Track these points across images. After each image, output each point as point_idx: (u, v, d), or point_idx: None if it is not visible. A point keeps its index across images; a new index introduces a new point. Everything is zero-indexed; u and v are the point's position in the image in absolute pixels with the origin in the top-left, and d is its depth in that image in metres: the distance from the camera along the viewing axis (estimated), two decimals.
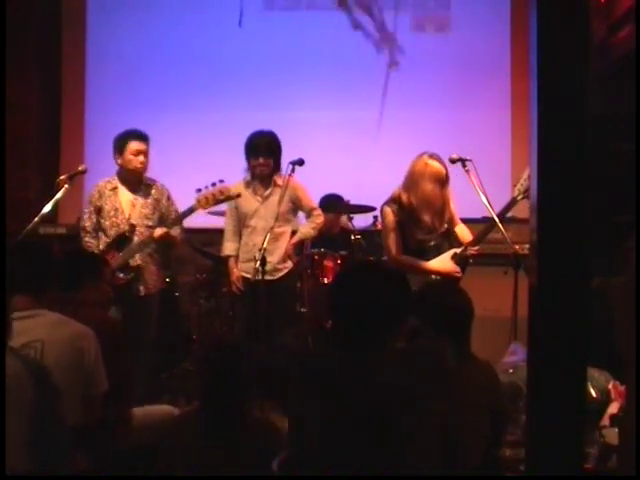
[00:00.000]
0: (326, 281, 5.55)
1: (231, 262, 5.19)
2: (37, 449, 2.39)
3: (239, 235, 5.18)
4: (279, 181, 5.07)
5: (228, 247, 5.21)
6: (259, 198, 5.12)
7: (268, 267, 4.83)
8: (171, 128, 6.80)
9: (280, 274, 5.11)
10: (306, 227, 5.22)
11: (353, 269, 2.71)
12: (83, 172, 4.84)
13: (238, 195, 4.84)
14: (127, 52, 6.92)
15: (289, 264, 5.17)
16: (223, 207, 5.30)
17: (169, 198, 4.87)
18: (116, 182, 4.81)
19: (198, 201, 4.64)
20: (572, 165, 1.82)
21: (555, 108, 1.83)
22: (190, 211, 4.69)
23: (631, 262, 2.38)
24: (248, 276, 4.99)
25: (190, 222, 5.40)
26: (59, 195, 4.61)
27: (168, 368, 5.74)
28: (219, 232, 5.34)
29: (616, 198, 4.73)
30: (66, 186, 4.63)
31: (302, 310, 5.46)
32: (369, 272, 2.54)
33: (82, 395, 2.92)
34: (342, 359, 2.40)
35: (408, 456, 2.30)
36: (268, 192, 5.11)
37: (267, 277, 4.85)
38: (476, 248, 4.50)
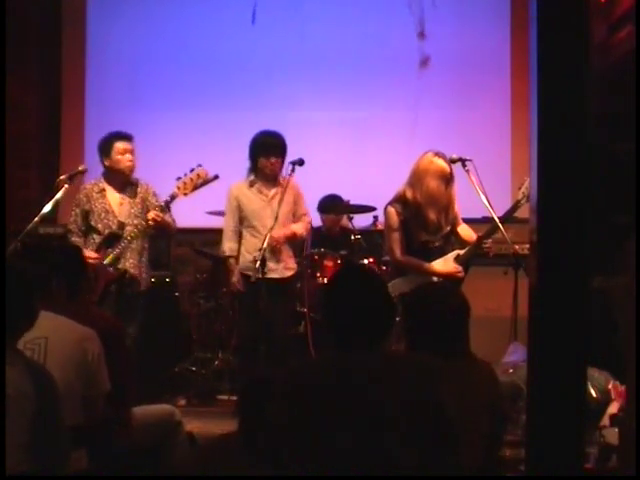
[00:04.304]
0: (326, 281, 5.54)
1: (231, 262, 5.17)
2: (37, 451, 2.40)
3: (239, 235, 5.17)
4: (282, 182, 5.07)
5: (229, 247, 5.17)
6: (264, 198, 5.10)
7: (275, 266, 4.86)
8: (171, 128, 6.81)
9: (287, 274, 5.10)
10: (299, 226, 5.19)
11: (344, 274, 2.76)
12: (83, 172, 4.84)
13: (216, 177, 4.82)
14: (127, 51, 6.92)
15: (294, 265, 5.16)
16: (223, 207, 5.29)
17: (155, 194, 4.88)
18: (103, 184, 4.82)
19: (178, 188, 4.69)
20: (572, 165, 1.82)
21: (555, 108, 1.83)
22: (172, 198, 4.71)
23: (631, 263, 2.38)
24: (250, 274, 4.96)
25: (190, 222, 5.41)
26: (59, 195, 4.62)
27: (168, 368, 5.74)
28: (219, 232, 5.32)
29: (616, 198, 4.73)
30: (66, 186, 4.64)
31: (302, 310, 5.46)
32: (361, 276, 2.61)
33: (83, 395, 2.92)
34: (336, 360, 2.46)
35: (403, 455, 2.32)
36: (273, 192, 5.08)
37: (273, 275, 4.88)
38: (489, 244, 4.50)
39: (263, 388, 2.86)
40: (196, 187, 4.73)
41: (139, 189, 4.84)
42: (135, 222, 4.74)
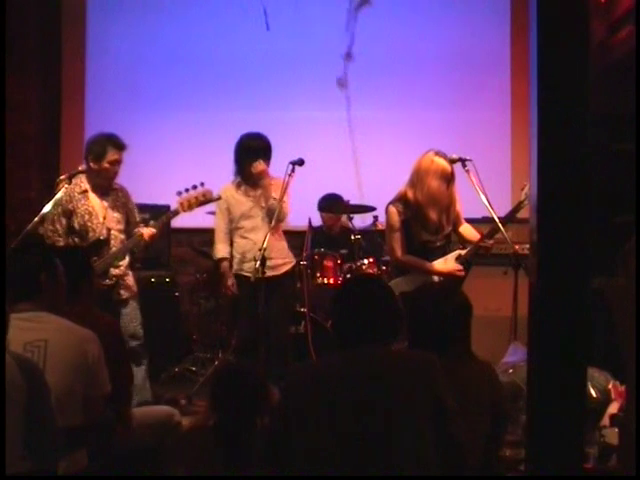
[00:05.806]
0: (326, 281, 5.54)
1: (225, 265, 5.18)
2: (29, 448, 2.39)
3: (230, 237, 5.19)
4: (269, 182, 5.07)
5: (222, 249, 5.19)
6: (251, 199, 5.12)
7: (269, 263, 4.82)
8: (171, 128, 6.81)
9: (283, 270, 5.12)
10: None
11: (354, 280, 2.97)
12: (83, 172, 4.81)
13: (219, 197, 4.86)
14: (127, 51, 6.92)
15: (290, 260, 5.17)
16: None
17: (131, 200, 4.86)
18: (85, 185, 4.72)
19: (181, 204, 4.62)
20: (572, 165, 1.82)
21: (555, 108, 1.83)
22: (174, 214, 4.68)
23: (630, 263, 2.38)
24: (249, 275, 4.95)
25: (190, 222, 5.40)
26: (59, 195, 4.60)
27: (168, 368, 5.75)
28: None
29: (616, 198, 4.73)
30: (66, 186, 4.62)
31: (302, 310, 5.45)
32: (372, 284, 2.78)
33: (83, 396, 2.92)
34: (337, 360, 2.54)
35: (403, 453, 2.34)
36: (259, 192, 5.11)
37: (270, 273, 4.83)
38: (491, 242, 4.50)
39: (234, 380, 2.86)
40: (200, 205, 4.69)
41: (120, 194, 4.78)
42: (118, 227, 4.71)
